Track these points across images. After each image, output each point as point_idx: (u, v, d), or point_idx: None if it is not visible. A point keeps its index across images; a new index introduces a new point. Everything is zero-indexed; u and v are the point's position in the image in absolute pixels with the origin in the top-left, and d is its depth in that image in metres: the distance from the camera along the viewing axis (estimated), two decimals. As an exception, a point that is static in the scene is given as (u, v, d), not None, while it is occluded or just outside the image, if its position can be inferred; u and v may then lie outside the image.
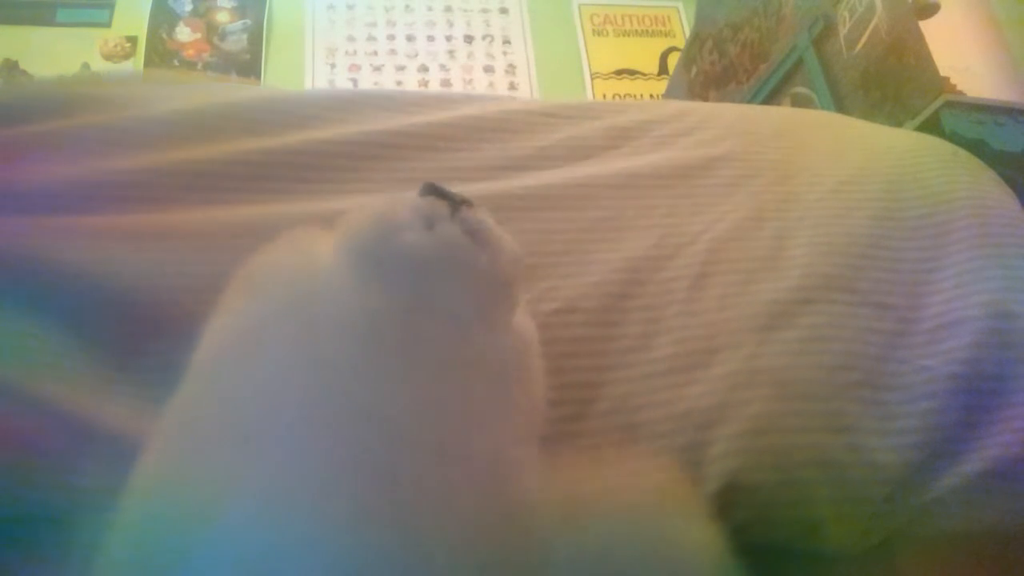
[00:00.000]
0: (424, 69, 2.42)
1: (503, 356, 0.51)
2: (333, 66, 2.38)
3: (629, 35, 2.58)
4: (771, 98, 1.55)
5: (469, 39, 2.49)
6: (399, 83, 2.39)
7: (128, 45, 2.30)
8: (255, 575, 0.41)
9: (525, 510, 0.47)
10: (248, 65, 2.32)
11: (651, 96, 2.42)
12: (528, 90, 2.42)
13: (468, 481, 0.46)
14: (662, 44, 2.57)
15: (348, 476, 0.43)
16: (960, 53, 1.19)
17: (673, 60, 2.44)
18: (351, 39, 2.43)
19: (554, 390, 0.66)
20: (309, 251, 0.53)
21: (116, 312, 0.64)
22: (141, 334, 0.63)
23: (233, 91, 0.89)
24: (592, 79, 2.47)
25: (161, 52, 2.30)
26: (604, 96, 2.44)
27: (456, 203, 0.52)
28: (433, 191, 0.53)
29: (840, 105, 1.33)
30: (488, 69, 2.44)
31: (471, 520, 0.45)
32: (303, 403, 0.45)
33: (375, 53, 2.42)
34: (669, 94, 2.03)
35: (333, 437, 0.44)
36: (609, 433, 0.66)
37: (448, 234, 0.50)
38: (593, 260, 0.77)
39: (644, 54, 2.54)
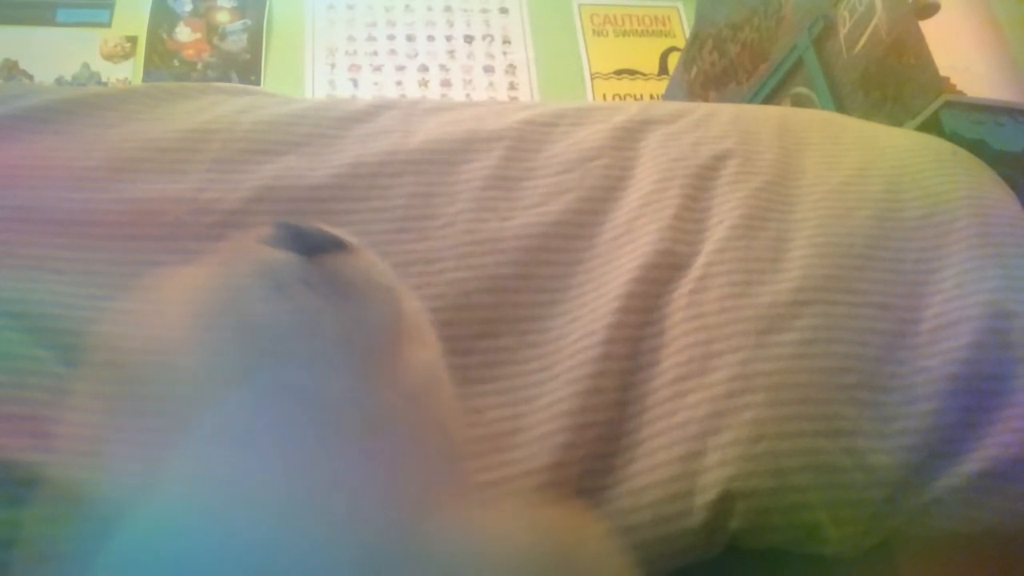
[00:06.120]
0: (424, 69, 2.42)
1: (386, 404, 0.46)
2: (333, 66, 2.38)
3: (629, 35, 2.57)
4: (771, 98, 1.55)
5: (469, 39, 2.49)
6: (399, 83, 2.39)
7: (128, 45, 2.30)
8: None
9: (420, 552, 0.43)
10: (248, 65, 2.32)
11: (651, 96, 2.42)
12: (528, 90, 2.42)
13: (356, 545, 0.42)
14: (662, 44, 2.57)
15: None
16: (960, 53, 1.19)
17: (673, 60, 2.44)
18: (351, 39, 2.43)
19: (585, 411, 0.67)
20: (162, 311, 0.48)
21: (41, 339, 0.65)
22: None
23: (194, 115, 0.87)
24: (592, 79, 2.47)
25: (161, 52, 2.30)
26: (604, 96, 2.44)
27: (312, 252, 0.46)
28: (289, 236, 0.46)
29: (840, 105, 1.33)
30: (488, 69, 2.44)
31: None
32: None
33: (375, 53, 2.42)
34: (669, 94, 2.03)
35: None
36: (613, 455, 0.66)
37: (296, 300, 0.44)
38: (607, 271, 0.77)
39: (644, 54, 2.54)
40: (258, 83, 2.30)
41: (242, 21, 2.38)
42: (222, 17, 2.39)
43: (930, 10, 1.20)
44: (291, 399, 0.44)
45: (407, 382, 0.49)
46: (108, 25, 2.33)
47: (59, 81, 2.20)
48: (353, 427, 0.45)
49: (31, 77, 2.21)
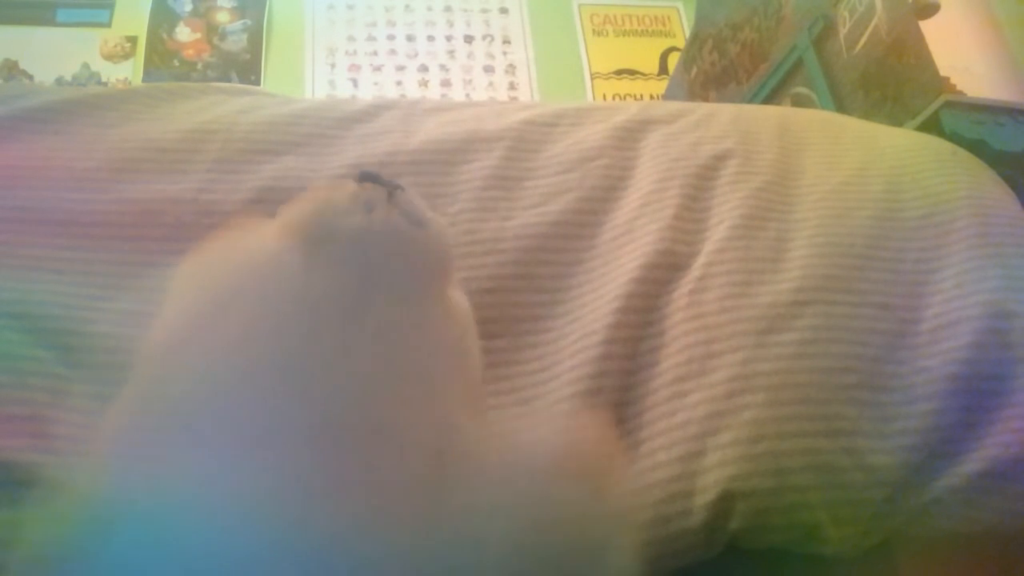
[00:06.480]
0: (424, 69, 2.41)
1: (442, 325, 0.55)
2: (333, 66, 2.37)
3: (629, 35, 2.57)
4: (771, 98, 1.55)
5: (469, 39, 2.48)
6: (399, 83, 2.39)
7: (128, 45, 2.30)
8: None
9: (459, 470, 0.49)
10: (248, 65, 2.32)
11: (651, 96, 2.42)
12: (528, 90, 2.42)
13: (411, 445, 0.48)
14: (662, 44, 2.56)
15: (296, 447, 0.46)
16: (960, 53, 1.19)
17: (673, 60, 2.44)
18: (351, 39, 2.43)
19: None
20: (253, 239, 0.56)
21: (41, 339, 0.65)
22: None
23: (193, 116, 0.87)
24: (592, 79, 2.47)
25: (161, 52, 2.30)
26: (604, 96, 2.44)
27: (391, 188, 0.56)
28: (369, 178, 0.56)
29: (840, 105, 1.33)
30: (488, 69, 2.44)
31: (411, 487, 0.47)
32: (255, 376, 0.48)
33: (375, 53, 2.42)
34: (669, 94, 2.03)
35: (283, 410, 0.47)
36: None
37: (386, 217, 0.54)
38: (607, 271, 0.77)
39: (644, 54, 2.54)
40: (258, 83, 2.30)
41: (242, 21, 2.38)
42: (222, 17, 2.39)
43: (930, 10, 1.20)
44: (380, 298, 0.51)
45: (458, 310, 0.58)
46: (108, 25, 2.33)
47: (59, 81, 2.20)
48: (423, 335, 0.53)
49: (31, 77, 2.21)
